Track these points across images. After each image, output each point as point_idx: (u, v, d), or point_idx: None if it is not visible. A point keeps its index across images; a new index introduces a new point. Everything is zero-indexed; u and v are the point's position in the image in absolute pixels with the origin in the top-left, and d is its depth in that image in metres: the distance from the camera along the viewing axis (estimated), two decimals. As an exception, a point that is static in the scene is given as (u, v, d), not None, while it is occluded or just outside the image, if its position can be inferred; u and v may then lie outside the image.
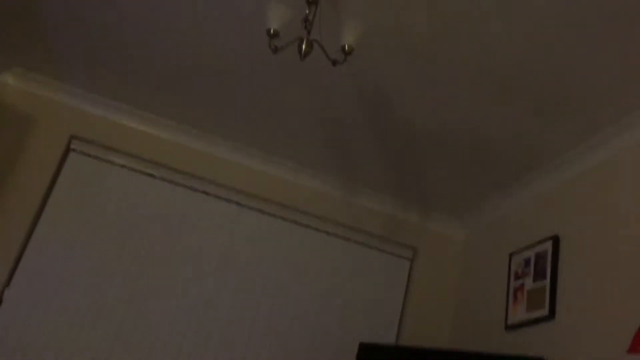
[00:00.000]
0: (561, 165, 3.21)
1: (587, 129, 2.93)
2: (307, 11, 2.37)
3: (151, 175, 3.85)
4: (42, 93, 3.76)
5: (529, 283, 3.18)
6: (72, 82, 3.72)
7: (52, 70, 3.64)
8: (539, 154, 3.22)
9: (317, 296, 3.87)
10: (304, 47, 2.34)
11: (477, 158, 3.40)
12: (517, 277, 3.31)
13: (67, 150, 3.77)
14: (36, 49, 3.46)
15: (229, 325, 3.66)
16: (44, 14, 3.10)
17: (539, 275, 3.12)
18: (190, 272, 3.71)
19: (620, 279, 2.59)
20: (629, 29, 2.30)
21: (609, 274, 2.67)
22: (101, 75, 3.56)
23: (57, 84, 3.75)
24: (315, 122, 3.45)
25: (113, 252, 3.63)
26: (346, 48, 2.38)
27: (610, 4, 2.22)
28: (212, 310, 3.67)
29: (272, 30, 2.36)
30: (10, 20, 3.24)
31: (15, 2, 3.06)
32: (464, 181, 3.67)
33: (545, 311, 2.97)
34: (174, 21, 2.91)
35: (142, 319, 3.55)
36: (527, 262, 3.26)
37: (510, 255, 3.43)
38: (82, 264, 3.56)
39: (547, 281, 3.02)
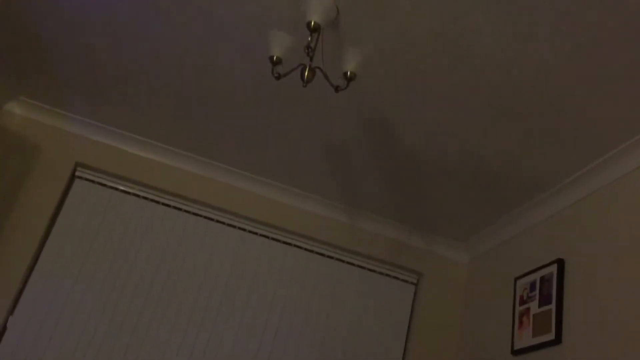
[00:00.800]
0: (564, 189, 3.21)
1: (589, 153, 2.94)
2: (310, 38, 2.40)
3: (156, 202, 3.87)
4: (47, 121, 3.80)
5: (534, 307, 3.16)
6: (77, 110, 3.76)
7: (58, 99, 3.68)
8: (542, 178, 3.22)
9: (322, 321, 3.85)
10: (306, 73, 2.37)
11: (480, 183, 3.40)
12: (522, 301, 3.29)
13: (72, 178, 3.79)
14: (42, 79, 3.50)
15: (233, 351, 3.64)
16: (49, 45, 3.15)
17: (544, 299, 3.10)
18: (195, 299, 3.70)
19: (627, 301, 2.57)
20: (626, 55, 2.32)
21: (615, 297, 2.65)
22: (105, 104, 3.59)
23: (62, 112, 3.79)
24: (319, 148, 3.47)
25: (117, 278, 3.63)
26: (348, 74, 2.40)
27: (606, 32, 2.24)
28: (216, 337, 3.65)
29: (274, 58, 2.39)
30: (16, 51, 3.28)
31: (21, 33, 3.11)
32: (468, 205, 3.67)
33: (551, 336, 2.94)
34: (177, 51, 2.95)
35: (147, 347, 3.53)
36: (532, 286, 3.24)
37: (516, 280, 3.41)
38: (86, 291, 3.56)
39: (553, 305, 3.00)
